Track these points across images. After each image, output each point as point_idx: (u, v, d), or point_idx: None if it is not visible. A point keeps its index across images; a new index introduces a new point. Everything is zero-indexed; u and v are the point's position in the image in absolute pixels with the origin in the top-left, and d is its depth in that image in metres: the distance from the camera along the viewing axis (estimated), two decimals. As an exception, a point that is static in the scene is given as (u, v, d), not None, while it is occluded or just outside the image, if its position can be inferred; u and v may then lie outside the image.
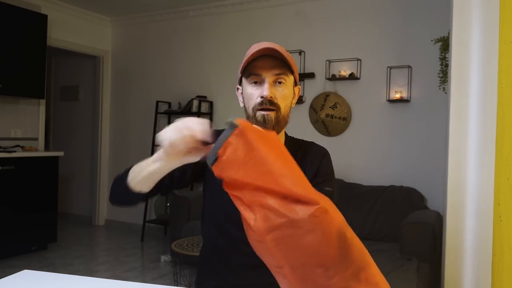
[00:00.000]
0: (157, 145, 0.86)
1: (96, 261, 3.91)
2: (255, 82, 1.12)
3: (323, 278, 0.67)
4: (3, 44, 3.87)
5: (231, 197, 0.74)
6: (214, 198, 1.18)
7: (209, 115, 4.60)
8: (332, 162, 1.23)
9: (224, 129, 0.73)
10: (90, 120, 5.42)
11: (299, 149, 1.21)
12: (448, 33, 2.64)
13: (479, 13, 1.94)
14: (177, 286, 2.91)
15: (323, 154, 1.21)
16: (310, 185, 0.71)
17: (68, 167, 5.43)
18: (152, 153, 5.10)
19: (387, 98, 3.71)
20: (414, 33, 3.62)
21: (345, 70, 3.88)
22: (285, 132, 1.23)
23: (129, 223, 5.04)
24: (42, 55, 4.20)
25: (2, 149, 3.84)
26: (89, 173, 5.41)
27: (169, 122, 4.88)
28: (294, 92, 1.18)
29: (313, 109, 4.00)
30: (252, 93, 1.12)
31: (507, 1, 1.87)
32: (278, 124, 1.12)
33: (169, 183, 1.09)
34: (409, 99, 3.62)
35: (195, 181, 1.23)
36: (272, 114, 1.10)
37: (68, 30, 4.83)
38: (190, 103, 4.49)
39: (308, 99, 4.03)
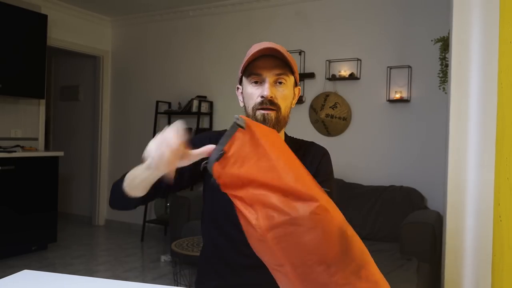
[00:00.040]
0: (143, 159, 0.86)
1: (96, 261, 3.91)
2: (256, 82, 1.12)
3: (325, 275, 0.67)
4: (3, 44, 3.87)
5: (231, 198, 0.74)
6: (214, 199, 1.18)
7: (209, 115, 4.60)
8: (332, 162, 1.23)
9: (226, 129, 0.73)
10: (90, 120, 5.42)
11: (299, 149, 1.21)
12: (448, 33, 2.64)
13: (479, 13, 1.95)
14: (177, 286, 2.91)
15: (322, 154, 1.21)
16: (313, 181, 0.71)
17: (68, 167, 5.43)
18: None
19: (387, 98, 3.71)
20: (414, 33, 3.62)
21: (345, 70, 3.88)
22: (285, 132, 1.23)
23: (129, 223, 5.04)
24: (42, 55, 4.21)
25: (2, 149, 3.84)
26: (89, 173, 5.41)
27: (169, 122, 4.89)
28: (294, 92, 1.18)
29: (313, 109, 4.00)
30: (253, 93, 1.12)
31: (507, 1, 1.87)
32: (278, 124, 1.11)
33: (167, 186, 1.08)
34: (409, 99, 3.62)
35: (193, 183, 1.23)
36: (272, 114, 1.10)
37: (68, 30, 4.83)
38: (190, 103, 4.49)
39: (308, 99, 4.03)
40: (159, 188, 1.01)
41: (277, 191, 0.68)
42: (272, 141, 0.72)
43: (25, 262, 3.69)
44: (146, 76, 5.09)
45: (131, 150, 5.15)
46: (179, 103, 4.67)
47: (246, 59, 1.11)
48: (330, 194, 1.13)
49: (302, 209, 0.66)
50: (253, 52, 1.08)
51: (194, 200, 3.59)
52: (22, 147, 4.11)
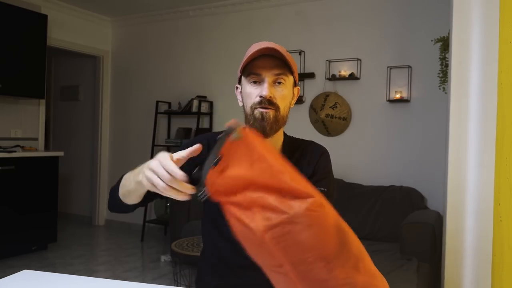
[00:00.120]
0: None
1: (96, 261, 3.91)
2: (255, 82, 1.11)
3: (325, 271, 0.67)
4: (3, 44, 3.87)
5: (223, 207, 0.75)
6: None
7: (209, 115, 4.60)
8: (332, 162, 1.23)
9: (223, 131, 0.74)
10: (90, 120, 5.42)
11: (297, 148, 1.21)
12: (448, 33, 2.64)
13: (479, 13, 1.94)
14: (177, 286, 2.91)
15: (321, 153, 1.21)
16: (307, 182, 0.72)
17: (68, 167, 5.43)
18: (152, 153, 5.10)
19: (387, 98, 3.71)
20: (414, 33, 3.62)
21: (345, 70, 3.88)
22: (284, 132, 1.23)
23: (129, 223, 5.04)
24: (42, 55, 4.21)
25: (2, 149, 3.84)
26: (89, 173, 5.41)
27: (169, 122, 4.89)
28: (293, 92, 1.18)
29: (313, 109, 4.00)
30: (251, 92, 1.11)
31: (507, 1, 1.87)
32: (276, 123, 1.11)
33: None
34: (409, 99, 3.62)
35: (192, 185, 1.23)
36: (271, 112, 1.10)
37: (68, 30, 4.83)
38: (190, 103, 4.49)
39: (308, 99, 4.03)
40: (155, 193, 1.02)
41: (274, 191, 0.68)
42: (265, 146, 0.73)
43: (25, 262, 3.69)
44: (146, 76, 5.09)
45: (131, 150, 5.15)
46: (179, 103, 4.67)
47: (245, 59, 1.11)
48: (326, 193, 1.13)
49: (298, 206, 0.66)
50: (252, 51, 1.08)
51: (194, 200, 3.58)
52: (22, 147, 4.11)
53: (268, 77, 1.10)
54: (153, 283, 1.41)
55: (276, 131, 1.13)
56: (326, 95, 3.94)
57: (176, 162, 0.79)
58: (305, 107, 4.04)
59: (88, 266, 3.70)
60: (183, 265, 2.93)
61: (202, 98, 4.53)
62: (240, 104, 1.19)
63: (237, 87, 1.21)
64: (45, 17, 4.23)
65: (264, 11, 4.35)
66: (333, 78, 3.88)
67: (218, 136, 0.73)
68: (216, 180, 0.73)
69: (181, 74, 4.84)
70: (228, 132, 0.72)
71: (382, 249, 2.94)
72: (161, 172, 0.76)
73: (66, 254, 4.00)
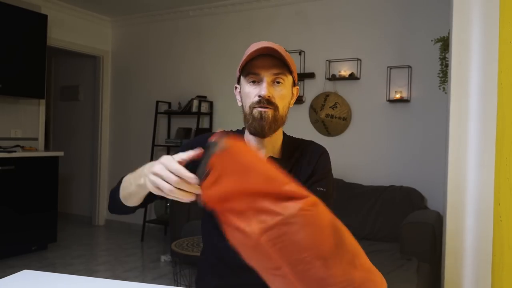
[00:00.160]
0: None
1: (96, 261, 3.91)
2: (253, 81, 1.11)
3: (323, 269, 0.68)
4: (3, 44, 3.87)
5: (218, 216, 0.75)
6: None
7: (209, 115, 4.60)
8: (332, 162, 1.23)
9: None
10: (90, 120, 5.42)
11: (297, 148, 1.21)
12: (448, 33, 2.64)
13: (479, 13, 1.95)
14: (177, 286, 2.91)
15: (320, 154, 1.20)
16: (298, 184, 0.73)
17: (68, 167, 5.43)
18: (152, 153, 5.08)
19: (387, 98, 3.71)
20: (414, 33, 3.62)
21: (345, 70, 3.88)
22: (283, 131, 1.22)
23: (129, 223, 5.04)
24: (42, 55, 4.21)
25: (2, 149, 3.84)
26: (89, 173, 5.41)
27: (169, 122, 4.89)
28: (292, 92, 1.18)
29: (313, 109, 4.00)
30: (250, 92, 1.11)
31: (507, 1, 1.87)
32: (275, 123, 1.11)
33: None
34: (409, 99, 3.62)
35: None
36: (269, 112, 1.09)
37: (68, 30, 4.83)
38: (190, 103, 4.49)
39: (308, 99, 4.03)
40: (156, 195, 1.03)
41: (266, 196, 0.69)
42: (252, 152, 0.74)
43: (25, 262, 3.69)
44: (146, 76, 5.09)
45: (131, 150, 5.15)
46: (179, 103, 4.67)
47: (244, 58, 1.10)
48: (326, 193, 1.13)
49: (291, 207, 0.67)
50: (251, 51, 1.08)
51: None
52: (22, 147, 4.11)
53: (266, 76, 1.09)
54: (153, 283, 1.41)
55: (275, 130, 1.13)
56: (326, 95, 3.94)
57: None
58: (305, 107, 4.04)
59: (88, 266, 3.70)
60: (183, 265, 2.93)
61: (202, 98, 4.53)
62: (239, 104, 1.19)
63: (236, 87, 1.21)
64: (45, 17, 4.23)
65: (264, 11, 4.35)
66: (333, 78, 3.88)
67: (204, 152, 0.74)
68: (208, 192, 0.74)
69: (181, 74, 4.84)
70: (212, 146, 0.73)
71: (382, 249, 2.93)
72: (167, 175, 0.77)
73: (66, 254, 4.00)
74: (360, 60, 3.83)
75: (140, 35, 5.17)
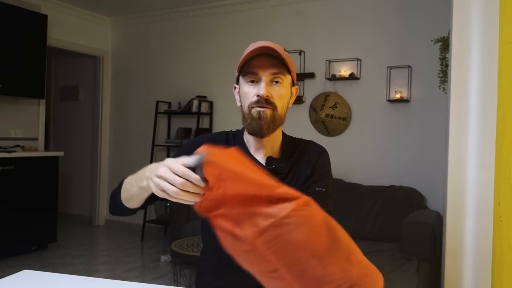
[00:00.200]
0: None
1: (96, 261, 3.91)
2: (252, 81, 1.11)
3: (320, 268, 0.68)
4: (3, 44, 3.87)
5: (212, 222, 0.75)
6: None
7: (209, 115, 4.60)
8: (332, 163, 1.23)
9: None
10: (90, 120, 5.42)
11: (296, 148, 1.21)
12: (448, 33, 2.64)
13: (479, 13, 1.95)
14: (177, 286, 2.91)
15: (319, 154, 1.20)
16: (288, 186, 0.73)
17: (68, 167, 5.43)
18: (152, 153, 5.07)
19: (387, 98, 3.71)
20: (414, 33, 3.62)
21: (345, 70, 3.88)
22: (282, 131, 1.22)
23: (129, 223, 5.04)
24: (42, 55, 4.21)
25: (2, 149, 3.84)
26: (89, 173, 5.41)
27: (169, 122, 4.89)
28: (291, 92, 1.17)
29: (313, 109, 4.00)
30: (249, 92, 1.11)
31: (507, 1, 1.87)
32: (273, 123, 1.11)
33: None
34: (409, 99, 3.62)
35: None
36: (268, 111, 1.09)
37: (68, 30, 4.83)
38: (190, 103, 4.49)
39: (308, 99, 4.03)
40: (156, 196, 1.03)
41: (259, 199, 0.70)
42: (237, 161, 0.74)
43: (25, 262, 3.69)
44: (146, 76, 5.09)
45: (131, 150, 5.15)
46: (179, 103, 4.67)
47: (242, 58, 1.10)
48: (325, 193, 1.13)
49: (284, 208, 0.68)
50: (249, 51, 1.08)
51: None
52: (22, 147, 4.11)
53: (265, 76, 1.09)
54: (153, 283, 1.41)
55: (274, 130, 1.13)
56: (326, 95, 3.94)
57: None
58: (305, 107, 4.04)
59: (88, 266, 3.70)
60: (183, 265, 2.93)
61: (202, 98, 4.53)
62: (238, 104, 1.18)
63: (235, 87, 1.21)
64: (45, 17, 4.23)
65: (264, 11, 4.35)
66: (333, 78, 3.88)
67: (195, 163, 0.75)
68: (202, 201, 0.75)
69: (181, 74, 4.84)
70: (198, 160, 0.74)
71: (382, 249, 2.93)
72: (172, 177, 0.77)
73: (66, 254, 4.00)
74: (360, 60, 3.83)
75: (140, 35, 5.17)
